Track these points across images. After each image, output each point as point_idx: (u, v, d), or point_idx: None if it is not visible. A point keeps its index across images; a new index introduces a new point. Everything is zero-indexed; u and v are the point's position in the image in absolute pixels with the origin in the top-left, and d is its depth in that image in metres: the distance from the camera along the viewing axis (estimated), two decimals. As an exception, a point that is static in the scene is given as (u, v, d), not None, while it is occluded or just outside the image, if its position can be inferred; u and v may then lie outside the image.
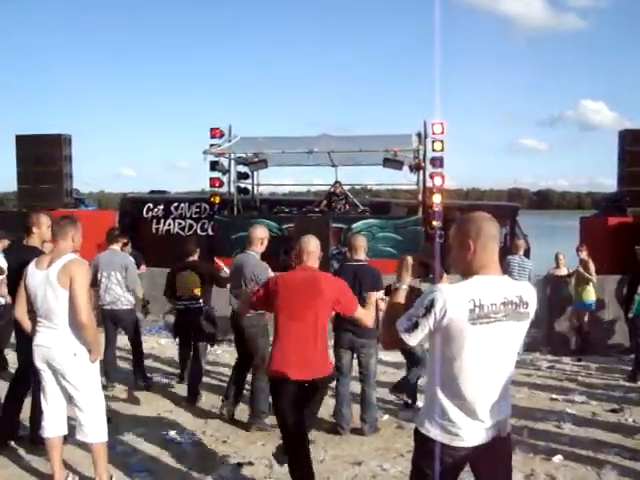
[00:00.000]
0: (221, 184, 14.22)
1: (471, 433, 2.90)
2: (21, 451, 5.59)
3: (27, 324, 4.89)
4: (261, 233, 6.65)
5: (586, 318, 10.86)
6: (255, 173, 15.40)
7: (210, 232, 15.33)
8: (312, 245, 4.88)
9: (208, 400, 7.30)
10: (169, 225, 16.17)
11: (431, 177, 13.11)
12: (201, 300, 7.57)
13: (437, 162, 12.91)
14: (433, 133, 12.87)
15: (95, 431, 4.74)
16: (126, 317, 7.91)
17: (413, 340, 2.91)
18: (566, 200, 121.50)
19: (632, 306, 8.65)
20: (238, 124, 14.83)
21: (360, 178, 16.49)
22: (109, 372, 7.64)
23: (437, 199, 12.98)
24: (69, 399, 4.78)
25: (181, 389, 7.71)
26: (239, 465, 5.42)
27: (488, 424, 2.92)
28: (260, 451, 5.77)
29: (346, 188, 14.86)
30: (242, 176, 15.09)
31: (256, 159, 14.06)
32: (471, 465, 3.03)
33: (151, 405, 7.20)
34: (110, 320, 7.89)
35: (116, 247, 8.09)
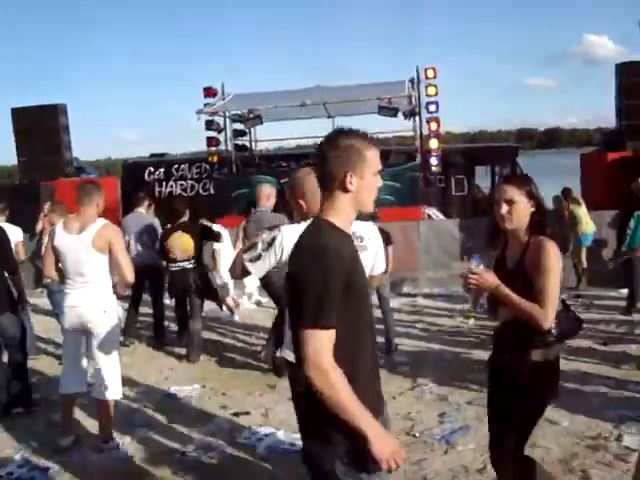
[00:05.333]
0: (218, 143, 14.23)
1: None
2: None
3: (56, 278, 5.14)
4: (267, 189, 6.80)
5: (583, 254, 10.80)
6: (252, 130, 15.36)
7: (212, 191, 15.40)
8: None
9: (207, 356, 7.48)
10: (171, 187, 16.24)
11: (427, 122, 13.04)
12: (194, 260, 7.66)
13: (432, 107, 12.82)
14: (426, 77, 12.75)
15: (110, 388, 4.96)
16: (150, 276, 8.11)
17: (255, 269, 3.45)
18: (575, 137, 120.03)
19: (624, 241, 8.65)
20: (233, 82, 14.79)
21: (356, 127, 16.33)
22: (129, 330, 7.88)
23: (434, 144, 12.92)
24: (90, 357, 5.02)
25: (181, 348, 7.90)
26: (236, 415, 5.61)
27: None
28: (257, 400, 5.97)
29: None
30: (238, 134, 15.05)
31: (251, 115, 14.01)
32: None
33: (152, 363, 7.42)
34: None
35: (142, 209, 8.21)
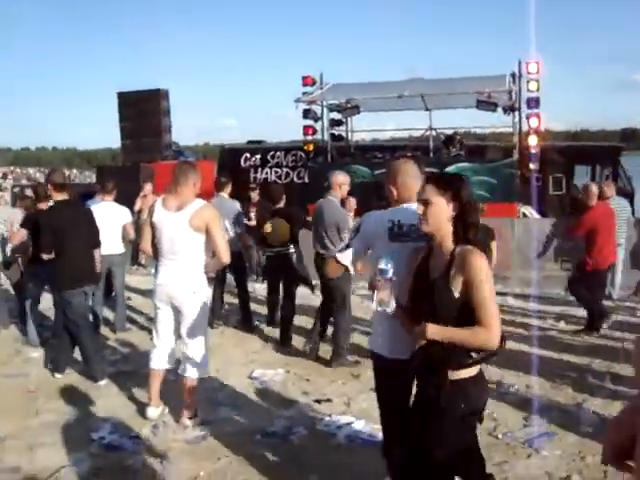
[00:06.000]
0: (314, 132, 14.32)
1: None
2: (114, 384, 6.08)
3: (150, 253, 5.30)
4: (341, 178, 6.72)
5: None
6: (349, 119, 15.36)
7: (306, 180, 15.48)
8: None
9: (293, 341, 7.56)
10: (266, 174, 16.38)
11: (527, 118, 12.70)
12: (291, 245, 7.74)
13: (533, 103, 12.47)
14: (528, 72, 12.41)
15: (197, 367, 5.12)
16: (234, 260, 8.26)
17: (343, 257, 3.29)
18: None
19: None
20: (331, 71, 14.84)
21: (452, 122, 16.15)
22: (216, 311, 8.07)
23: (533, 141, 12.58)
24: (179, 335, 5.16)
25: (269, 330, 8.06)
26: (318, 402, 5.65)
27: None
28: (340, 389, 5.99)
29: (440, 132, 14.65)
30: (335, 123, 15.09)
31: (348, 105, 14.01)
32: None
33: (239, 346, 7.56)
34: None
35: (224, 194, 8.34)
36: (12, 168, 56.05)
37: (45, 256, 6.34)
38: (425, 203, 2.86)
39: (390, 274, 2.83)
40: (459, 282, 2.76)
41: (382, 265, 2.86)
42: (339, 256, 3.37)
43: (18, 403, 5.70)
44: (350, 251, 3.47)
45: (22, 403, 5.71)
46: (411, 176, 3.39)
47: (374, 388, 3.65)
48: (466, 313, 2.76)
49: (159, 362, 5.25)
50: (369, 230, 3.41)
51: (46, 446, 4.77)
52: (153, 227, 5.06)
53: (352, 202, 8.72)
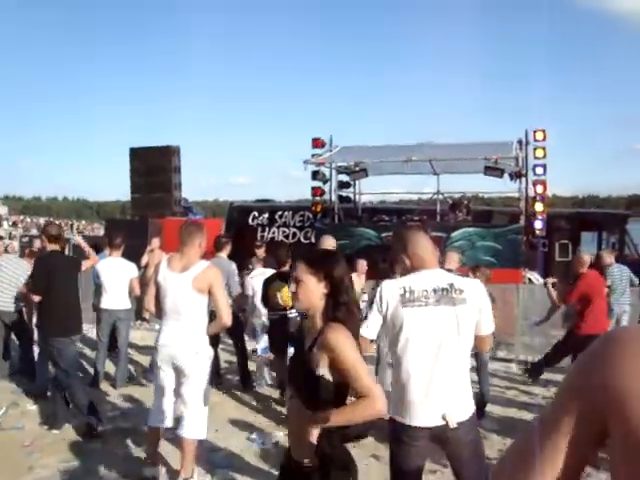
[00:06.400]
0: (322, 193, 14.47)
1: (421, 413, 3.30)
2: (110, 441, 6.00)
3: (154, 312, 5.33)
4: (329, 241, 6.91)
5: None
6: (357, 182, 15.53)
7: (313, 240, 15.54)
8: None
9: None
10: (273, 233, 16.48)
11: (533, 185, 12.83)
12: (294, 309, 7.69)
13: (539, 169, 12.63)
14: (535, 140, 12.60)
15: (196, 428, 5.08)
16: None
17: (368, 332, 3.39)
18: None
19: None
20: (341, 134, 15.08)
21: (460, 186, 16.27)
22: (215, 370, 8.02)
23: (539, 207, 12.68)
24: (179, 395, 5.13)
25: (269, 391, 7.99)
26: (317, 466, 5.56)
27: (436, 406, 3.29)
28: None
29: (447, 196, 14.79)
30: (343, 185, 15.25)
31: (357, 168, 14.19)
32: (441, 447, 3.48)
33: (238, 407, 7.50)
34: None
35: (223, 255, 8.32)
36: (22, 217, 56.56)
37: (36, 298, 6.49)
38: (297, 281, 2.88)
39: (259, 352, 2.92)
40: (324, 359, 2.72)
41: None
42: (361, 331, 3.33)
43: (12, 457, 5.64)
44: (372, 327, 3.45)
45: (16, 458, 5.65)
46: (422, 246, 3.51)
47: (374, 454, 3.63)
48: (335, 391, 2.73)
49: (158, 420, 5.22)
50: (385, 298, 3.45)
51: (39, 504, 4.71)
52: (157, 286, 5.10)
53: (363, 264, 8.75)
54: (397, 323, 3.34)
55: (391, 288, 3.40)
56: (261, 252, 11.18)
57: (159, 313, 5.20)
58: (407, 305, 3.33)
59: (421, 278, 3.40)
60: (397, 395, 3.40)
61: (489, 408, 7.28)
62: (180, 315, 5.00)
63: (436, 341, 3.30)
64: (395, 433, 3.43)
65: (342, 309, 2.82)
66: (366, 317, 3.44)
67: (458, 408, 3.37)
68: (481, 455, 3.56)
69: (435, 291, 3.34)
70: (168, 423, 5.24)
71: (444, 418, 3.30)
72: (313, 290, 2.85)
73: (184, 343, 4.99)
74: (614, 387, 0.96)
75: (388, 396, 3.24)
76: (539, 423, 1.12)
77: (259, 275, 8.44)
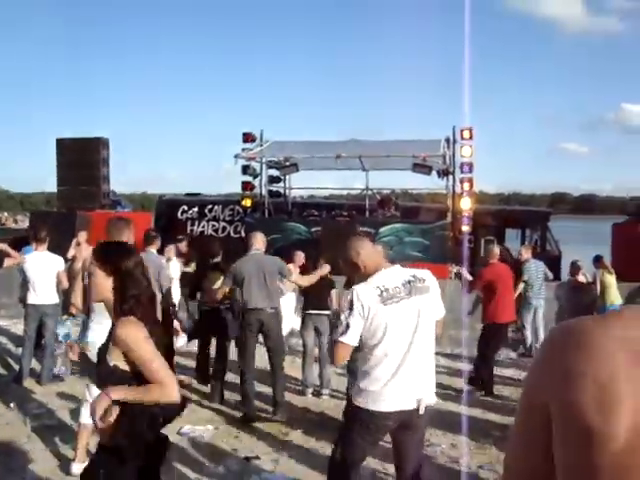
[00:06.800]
0: (252, 187, 14.51)
1: (394, 397, 3.52)
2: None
3: (80, 308, 5.46)
4: (260, 239, 7.21)
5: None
6: (287, 177, 15.61)
7: (243, 234, 15.53)
8: None
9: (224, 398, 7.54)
10: (203, 227, 16.41)
11: (460, 182, 13.18)
12: (227, 301, 7.73)
13: (466, 167, 12.98)
14: (462, 138, 12.95)
15: None
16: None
17: (351, 339, 3.50)
18: (609, 205, 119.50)
19: None
20: (272, 129, 15.12)
21: (389, 182, 16.58)
22: None
23: (466, 204, 13.03)
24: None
25: (198, 386, 7.98)
26: (247, 459, 5.65)
27: (409, 390, 3.53)
28: (268, 447, 5.99)
29: (376, 192, 15.01)
30: (274, 180, 15.33)
31: (287, 163, 14.28)
32: (391, 432, 3.71)
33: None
34: None
35: (152, 249, 8.24)
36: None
37: None
38: (89, 275, 2.93)
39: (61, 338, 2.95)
40: (118, 353, 2.77)
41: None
42: (342, 339, 3.46)
43: None
44: (353, 333, 3.54)
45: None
46: (369, 249, 3.80)
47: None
48: (131, 380, 2.77)
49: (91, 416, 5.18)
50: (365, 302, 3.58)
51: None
52: (85, 282, 5.08)
53: (300, 255, 8.91)
54: (378, 321, 3.50)
55: (367, 291, 3.56)
56: (182, 246, 10.92)
57: (86, 309, 5.18)
58: (387, 303, 3.51)
59: (387, 276, 3.63)
60: (368, 383, 3.58)
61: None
62: (109, 314, 4.97)
63: (410, 330, 3.54)
64: (361, 421, 3.63)
65: (131, 302, 2.83)
66: (347, 325, 3.50)
67: (428, 391, 3.63)
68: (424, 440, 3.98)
69: (404, 285, 3.59)
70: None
71: (418, 402, 3.52)
72: (102, 283, 2.88)
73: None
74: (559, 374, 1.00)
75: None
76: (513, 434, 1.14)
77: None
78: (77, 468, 5.14)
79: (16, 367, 8.60)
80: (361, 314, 3.49)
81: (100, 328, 5.00)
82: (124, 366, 2.77)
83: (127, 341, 2.73)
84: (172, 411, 2.84)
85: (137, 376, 2.76)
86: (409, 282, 3.60)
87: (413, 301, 3.57)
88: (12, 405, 7.00)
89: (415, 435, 3.70)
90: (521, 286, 10.08)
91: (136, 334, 2.75)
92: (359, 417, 3.63)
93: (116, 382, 2.75)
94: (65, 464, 5.34)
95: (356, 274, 3.78)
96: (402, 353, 3.53)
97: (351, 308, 3.51)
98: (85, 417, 5.20)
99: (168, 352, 7.99)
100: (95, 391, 5.05)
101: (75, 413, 6.50)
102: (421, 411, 3.53)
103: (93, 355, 5.01)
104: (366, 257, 3.71)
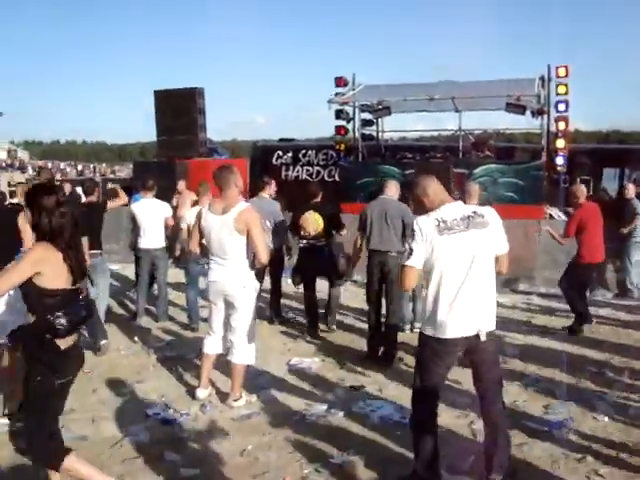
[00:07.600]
0: (346, 132, 14.68)
1: (457, 325, 3.84)
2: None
3: (198, 252, 5.91)
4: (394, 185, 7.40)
5: None
6: (380, 120, 15.66)
7: (337, 178, 15.72)
8: None
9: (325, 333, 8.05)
10: (297, 172, 16.63)
11: (555, 121, 12.95)
12: (323, 239, 8.02)
13: (561, 106, 12.73)
14: (557, 76, 12.64)
15: (245, 354, 5.62)
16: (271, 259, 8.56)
17: (416, 262, 3.88)
18: None
19: None
20: (364, 72, 15.13)
21: (482, 123, 16.37)
22: None
23: (561, 144, 12.83)
24: (230, 325, 5.65)
25: (301, 324, 8.53)
26: (352, 388, 6.06)
27: (469, 318, 3.85)
28: (372, 378, 6.40)
29: (469, 133, 14.94)
30: (367, 123, 15.41)
31: (379, 106, 14.34)
32: (465, 355, 4.02)
33: (275, 336, 8.04)
34: None
35: (265, 195, 8.62)
36: (42, 162, 56.85)
37: None
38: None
39: None
40: None
41: None
42: (407, 263, 3.85)
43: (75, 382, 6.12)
44: (417, 258, 3.91)
45: (79, 383, 6.13)
46: (434, 188, 4.08)
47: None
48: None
49: (212, 347, 5.77)
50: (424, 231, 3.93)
51: (107, 419, 5.26)
52: (202, 231, 5.58)
53: None
54: (436, 249, 3.83)
55: (427, 221, 3.92)
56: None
57: (203, 254, 5.78)
58: (444, 233, 3.85)
59: (448, 210, 3.94)
60: (432, 312, 3.92)
61: (511, 336, 7.71)
62: (226, 254, 5.44)
63: (468, 260, 3.84)
64: (431, 349, 3.97)
65: (41, 230, 3.53)
66: (410, 250, 3.87)
67: (487, 319, 3.93)
68: (499, 361, 4.27)
69: (462, 219, 3.89)
70: (221, 349, 5.77)
71: (478, 330, 3.84)
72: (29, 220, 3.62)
73: (232, 279, 5.46)
74: None
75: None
76: None
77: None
78: (202, 393, 5.70)
79: (131, 307, 9.27)
80: (422, 240, 3.86)
81: (219, 269, 5.49)
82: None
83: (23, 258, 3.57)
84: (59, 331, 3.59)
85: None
86: (468, 217, 3.89)
87: (470, 234, 3.85)
88: (136, 339, 7.66)
89: (485, 357, 3.98)
90: (637, 222, 10.28)
91: (27, 255, 3.52)
92: (429, 345, 3.98)
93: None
94: (189, 389, 5.91)
95: (423, 210, 4.08)
96: (459, 282, 3.83)
97: (413, 236, 3.90)
98: (207, 347, 5.73)
99: (277, 293, 8.47)
100: (220, 323, 5.60)
101: (191, 345, 7.11)
102: (482, 338, 3.85)
103: (219, 291, 5.51)
104: (432, 193, 4.03)
